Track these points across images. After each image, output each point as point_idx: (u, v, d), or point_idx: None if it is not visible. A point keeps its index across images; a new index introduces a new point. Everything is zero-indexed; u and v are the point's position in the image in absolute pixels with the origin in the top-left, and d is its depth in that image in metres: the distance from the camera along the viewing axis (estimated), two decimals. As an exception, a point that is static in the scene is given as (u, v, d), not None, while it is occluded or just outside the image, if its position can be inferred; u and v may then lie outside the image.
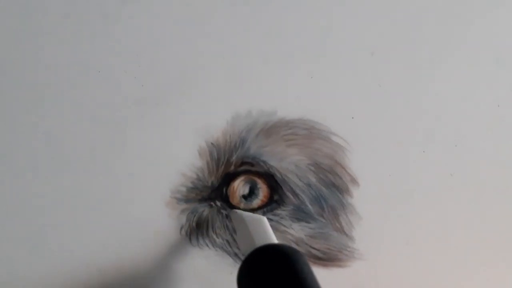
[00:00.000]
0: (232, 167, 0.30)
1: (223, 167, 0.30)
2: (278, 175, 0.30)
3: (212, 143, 0.30)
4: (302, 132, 0.30)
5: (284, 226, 0.30)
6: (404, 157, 0.31)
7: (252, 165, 0.30)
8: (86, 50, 0.29)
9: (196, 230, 0.30)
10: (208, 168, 0.30)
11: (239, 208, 0.30)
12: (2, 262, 0.29)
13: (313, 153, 0.30)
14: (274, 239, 0.26)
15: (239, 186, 0.30)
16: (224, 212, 0.30)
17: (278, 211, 0.30)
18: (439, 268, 0.31)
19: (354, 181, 0.30)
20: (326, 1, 0.30)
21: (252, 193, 0.30)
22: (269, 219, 0.30)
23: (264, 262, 0.24)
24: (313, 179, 0.30)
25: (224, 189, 0.30)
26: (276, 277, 0.23)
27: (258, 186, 0.30)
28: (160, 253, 0.29)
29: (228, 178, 0.30)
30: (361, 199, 0.30)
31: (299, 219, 0.30)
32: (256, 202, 0.30)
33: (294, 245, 0.30)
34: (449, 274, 0.32)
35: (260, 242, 0.25)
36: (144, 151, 0.29)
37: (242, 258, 0.25)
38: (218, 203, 0.30)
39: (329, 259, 0.30)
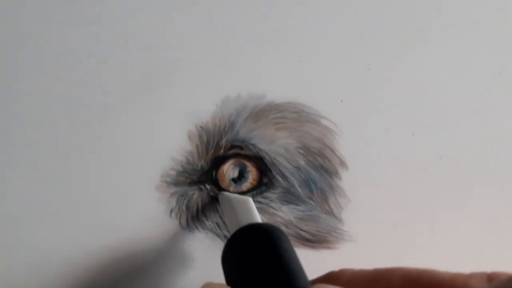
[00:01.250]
0: (222, 151, 0.30)
1: (212, 150, 0.30)
2: (268, 158, 0.30)
3: (201, 127, 0.30)
4: (291, 116, 0.30)
5: (274, 208, 0.30)
6: (393, 140, 0.31)
7: (241, 148, 0.30)
8: (74, 35, 0.29)
9: (186, 213, 0.30)
10: (197, 152, 0.30)
11: (228, 191, 0.30)
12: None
13: (302, 136, 0.30)
14: (258, 219, 0.26)
15: (229, 169, 0.30)
16: (214, 195, 0.30)
17: (268, 194, 0.30)
18: (427, 250, 0.32)
19: (343, 164, 0.30)
20: (315, -16, 0.30)
21: (241, 176, 0.30)
22: (259, 202, 0.30)
23: (246, 241, 0.24)
24: (302, 162, 0.30)
25: (214, 173, 0.30)
26: (257, 255, 0.23)
27: (248, 169, 0.30)
28: (150, 236, 0.30)
29: (218, 161, 0.30)
30: (350, 182, 0.31)
31: (288, 202, 0.30)
32: (246, 185, 0.30)
33: (283, 227, 0.30)
34: (437, 256, 0.32)
35: (245, 222, 0.26)
36: (134, 135, 0.29)
37: None
38: (208, 186, 0.30)
39: (318, 241, 0.30)
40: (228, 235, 0.29)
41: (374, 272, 0.24)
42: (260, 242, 0.24)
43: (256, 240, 0.24)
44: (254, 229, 0.25)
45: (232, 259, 0.25)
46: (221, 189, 0.30)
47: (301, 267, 0.23)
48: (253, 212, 0.27)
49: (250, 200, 0.28)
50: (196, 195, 0.30)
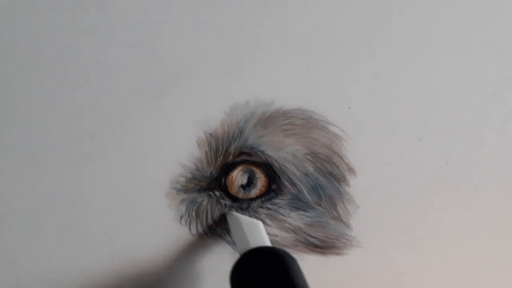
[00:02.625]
0: (231, 157, 0.30)
1: (221, 157, 0.30)
2: (276, 164, 0.30)
3: (210, 134, 0.30)
4: (300, 122, 0.30)
5: (282, 215, 0.30)
6: (400, 146, 0.31)
7: (250, 155, 0.30)
8: (84, 42, 0.29)
9: (196, 220, 0.30)
10: (206, 159, 0.30)
11: (237, 198, 0.30)
12: None
13: (310, 143, 0.30)
14: (268, 242, 0.27)
15: (238, 176, 0.30)
16: (223, 202, 0.30)
17: (276, 200, 0.30)
18: (436, 256, 0.32)
19: (351, 170, 0.31)
20: (323, -8, 0.30)
21: (250, 182, 0.30)
22: (268, 208, 0.30)
23: (257, 263, 0.25)
24: (310, 169, 0.30)
25: (223, 179, 0.30)
26: (268, 278, 0.24)
27: (257, 176, 0.30)
28: (160, 242, 0.30)
29: (227, 168, 0.30)
30: (358, 188, 0.31)
31: (297, 208, 0.30)
32: (255, 191, 0.30)
33: (292, 234, 0.30)
34: (446, 262, 0.32)
35: (254, 244, 0.26)
36: (143, 142, 0.30)
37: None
38: (217, 193, 0.30)
39: (327, 247, 0.31)
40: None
41: None
42: (271, 265, 0.24)
43: (267, 263, 0.24)
44: (265, 252, 0.25)
45: (242, 280, 0.25)
46: (230, 195, 0.30)
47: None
48: (263, 234, 0.27)
49: (260, 223, 0.28)
50: (206, 202, 0.30)
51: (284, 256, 0.25)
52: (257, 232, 0.27)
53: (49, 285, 0.30)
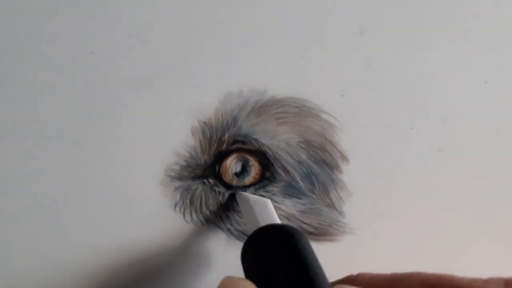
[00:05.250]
0: (225, 145, 0.30)
1: (215, 145, 0.30)
2: (270, 152, 0.30)
3: (204, 122, 0.30)
4: (293, 110, 0.31)
5: (276, 202, 0.31)
6: (393, 133, 0.31)
7: (244, 143, 0.30)
8: (78, 31, 0.30)
9: (190, 207, 0.30)
10: (201, 147, 0.30)
11: (231, 186, 0.30)
12: None
13: (303, 131, 0.31)
14: (277, 220, 0.27)
15: (232, 164, 0.30)
16: (217, 189, 0.30)
17: (270, 188, 0.31)
18: (427, 242, 0.32)
19: (344, 157, 0.31)
20: (315, -20, 0.30)
21: (244, 170, 0.30)
22: (261, 196, 0.30)
23: (267, 241, 0.25)
24: (303, 156, 0.31)
25: (217, 167, 0.30)
26: (279, 255, 0.24)
27: (250, 163, 0.30)
28: (154, 230, 0.30)
29: (221, 156, 0.30)
30: (351, 175, 0.31)
31: (290, 195, 0.31)
32: (248, 179, 0.30)
33: (286, 221, 0.31)
34: (437, 248, 0.32)
35: (264, 222, 0.26)
36: (138, 130, 0.30)
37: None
38: (211, 181, 0.30)
39: (320, 234, 0.31)
40: (232, 228, 0.30)
41: (393, 277, 0.24)
42: (281, 242, 0.24)
43: (277, 240, 0.24)
44: (275, 229, 0.25)
45: (253, 257, 0.25)
46: (224, 183, 0.30)
47: (321, 269, 0.23)
48: (272, 212, 0.27)
49: (268, 201, 0.28)
50: (200, 189, 0.30)
51: (293, 233, 0.25)
52: (266, 210, 0.28)
53: (44, 273, 0.30)
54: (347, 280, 0.25)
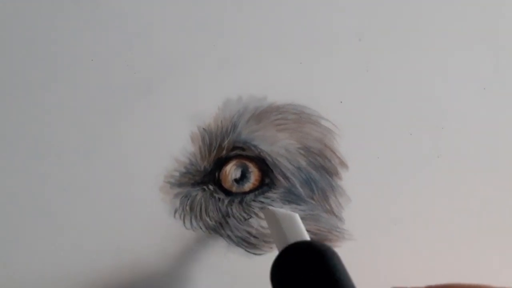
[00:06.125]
0: (224, 152, 0.30)
1: (215, 151, 0.30)
2: (269, 159, 0.30)
3: (204, 129, 0.30)
4: (292, 117, 0.31)
5: (276, 208, 0.31)
6: (391, 139, 0.31)
7: (243, 149, 0.30)
8: (78, 39, 0.30)
9: (190, 214, 0.30)
10: (200, 153, 0.30)
11: (231, 192, 0.30)
12: None
13: (303, 137, 0.31)
14: (306, 236, 0.26)
15: (231, 170, 0.30)
16: (217, 196, 0.30)
17: (270, 194, 0.31)
18: (426, 248, 0.32)
19: (343, 164, 0.31)
20: (314, -12, 0.30)
21: (244, 176, 0.30)
22: (261, 202, 0.30)
23: (296, 259, 0.24)
24: (303, 163, 0.31)
25: (217, 173, 0.30)
26: (310, 274, 0.23)
27: (250, 170, 0.30)
28: (154, 236, 0.30)
29: (220, 162, 0.30)
30: (350, 182, 0.31)
31: (290, 202, 0.31)
32: (248, 185, 0.31)
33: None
34: (436, 254, 0.32)
35: (292, 239, 0.25)
36: (137, 137, 0.30)
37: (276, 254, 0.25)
38: (211, 187, 0.30)
39: (319, 240, 0.31)
40: (232, 235, 0.30)
41: None
42: (311, 261, 0.24)
43: (306, 258, 0.24)
44: (306, 247, 0.25)
45: (283, 276, 0.24)
46: (223, 189, 0.30)
47: (353, 286, 0.23)
48: (300, 228, 0.26)
49: (296, 215, 0.28)
50: (200, 196, 0.30)
51: (324, 251, 0.24)
52: (294, 226, 0.27)
53: (42, 279, 0.30)
54: None
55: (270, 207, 0.30)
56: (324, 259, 0.24)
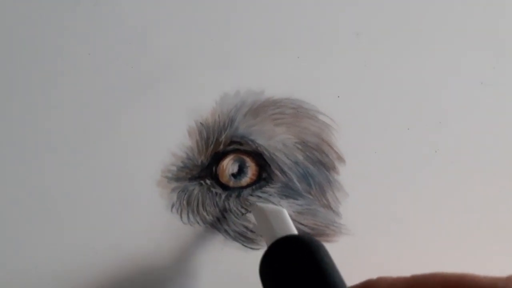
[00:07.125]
0: (221, 146, 0.30)
1: (212, 146, 0.30)
2: (266, 153, 0.30)
3: (201, 123, 0.30)
4: (290, 111, 0.31)
5: (273, 203, 0.31)
6: (389, 134, 0.31)
7: (240, 144, 0.30)
8: (75, 33, 0.30)
9: (187, 208, 0.30)
10: (197, 148, 0.30)
11: (228, 187, 0.30)
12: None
13: (300, 132, 0.31)
14: (293, 230, 0.26)
15: (228, 165, 0.30)
16: (214, 190, 0.30)
17: (267, 189, 0.31)
18: (424, 243, 0.32)
19: (340, 158, 0.31)
20: (312, -18, 0.30)
21: (241, 171, 0.30)
22: (258, 196, 0.30)
23: (285, 253, 0.25)
24: (300, 157, 0.31)
25: (214, 168, 0.30)
26: (298, 267, 0.23)
27: (247, 164, 0.30)
28: (151, 231, 0.30)
29: (217, 157, 0.30)
30: (347, 176, 0.31)
31: (287, 196, 0.31)
32: (245, 180, 0.31)
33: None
34: (434, 249, 0.32)
35: (280, 233, 0.26)
36: (134, 131, 0.30)
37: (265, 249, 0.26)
38: (208, 182, 0.30)
39: (316, 235, 0.31)
40: (229, 229, 0.30)
41: (413, 279, 0.24)
42: (301, 254, 0.24)
43: (296, 252, 0.24)
44: (293, 241, 0.25)
45: (272, 271, 0.24)
46: (221, 184, 0.30)
47: (342, 280, 0.23)
48: (288, 223, 0.27)
49: (284, 210, 0.28)
50: (197, 190, 0.30)
51: (311, 244, 0.24)
52: (281, 220, 0.27)
53: (40, 274, 0.30)
54: (366, 285, 0.25)
55: (258, 203, 0.30)
56: (311, 252, 0.24)
